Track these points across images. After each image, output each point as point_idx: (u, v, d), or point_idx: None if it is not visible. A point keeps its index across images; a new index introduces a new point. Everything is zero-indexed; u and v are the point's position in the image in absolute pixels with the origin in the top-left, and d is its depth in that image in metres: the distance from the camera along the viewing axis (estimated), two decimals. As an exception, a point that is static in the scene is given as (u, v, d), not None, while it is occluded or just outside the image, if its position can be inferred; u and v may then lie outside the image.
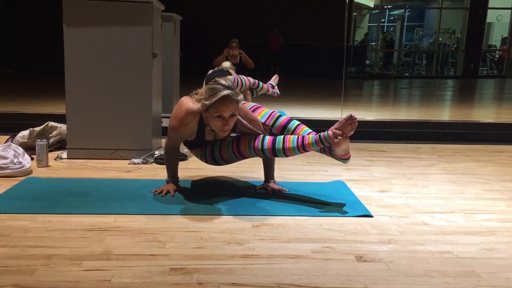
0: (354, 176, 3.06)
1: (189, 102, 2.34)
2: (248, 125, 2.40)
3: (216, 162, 2.55)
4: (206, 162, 2.58)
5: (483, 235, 2.09)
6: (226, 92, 2.17)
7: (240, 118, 2.35)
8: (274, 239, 1.97)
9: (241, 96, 2.24)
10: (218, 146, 2.49)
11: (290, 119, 2.51)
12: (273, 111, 2.54)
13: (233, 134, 2.49)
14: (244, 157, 2.47)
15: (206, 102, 2.21)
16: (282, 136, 2.40)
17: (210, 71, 5.12)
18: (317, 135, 2.33)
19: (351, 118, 2.25)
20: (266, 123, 2.49)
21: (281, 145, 2.35)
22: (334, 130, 2.27)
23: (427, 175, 3.15)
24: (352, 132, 2.28)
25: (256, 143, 2.38)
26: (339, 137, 2.26)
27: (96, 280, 1.57)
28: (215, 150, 2.50)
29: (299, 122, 2.50)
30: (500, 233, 2.12)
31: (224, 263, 1.73)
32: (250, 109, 2.55)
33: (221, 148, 2.48)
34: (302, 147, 2.34)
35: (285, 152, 2.36)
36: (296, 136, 2.38)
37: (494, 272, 1.72)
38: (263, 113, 2.52)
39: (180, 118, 2.33)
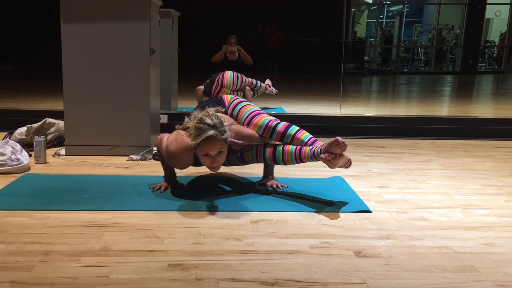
0: (352, 172, 3.06)
1: (184, 139, 2.33)
2: (244, 143, 2.43)
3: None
4: None
5: (481, 230, 2.09)
6: (210, 133, 2.16)
7: (234, 140, 2.36)
8: (272, 235, 1.97)
9: (227, 134, 2.23)
10: (226, 160, 2.55)
11: (289, 125, 2.48)
12: (270, 121, 2.47)
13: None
14: (246, 163, 2.58)
15: (193, 142, 2.22)
16: (281, 147, 2.43)
17: (205, 83, 5.14)
18: (312, 150, 2.33)
19: (337, 142, 2.21)
20: (263, 135, 2.48)
21: (281, 158, 2.44)
22: (324, 156, 2.23)
23: (425, 171, 3.15)
24: (343, 152, 2.25)
25: (258, 157, 2.50)
26: (331, 159, 2.23)
27: (94, 276, 1.57)
28: None
29: (298, 128, 2.48)
30: (498, 228, 2.12)
31: (222, 259, 1.73)
32: (250, 114, 2.52)
33: (228, 156, 2.53)
34: (299, 160, 2.40)
35: (285, 163, 2.46)
36: (295, 148, 2.40)
37: (493, 267, 1.72)
38: (259, 123, 2.47)
39: (177, 156, 2.35)
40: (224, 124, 2.25)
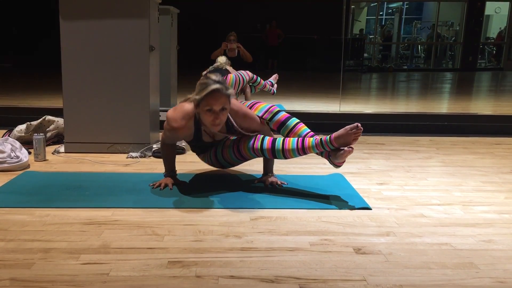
0: (352, 169, 3.06)
1: (185, 105, 2.38)
2: (242, 131, 2.44)
3: (220, 164, 2.60)
4: (212, 164, 2.64)
5: (481, 227, 2.09)
6: (215, 86, 2.21)
7: (234, 124, 2.36)
8: (272, 232, 1.97)
9: (231, 90, 2.27)
10: (220, 150, 2.53)
11: (290, 116, 2.49)
12: (272, 106, 2.54)
13: (233, 138, 2.51)
14: (244, 158, 2.52)
15: (197, 97, 2.25)
16: (282, 139, 2.40)
17: (205, 71, 5.11)
18: (318, 138, 2.33)
19: (357, 128, 2.24)
20: (263, 117, 2.50)
21: (280, 146, 2.38)
22: (348, 148, 2.26)
23: (425, 168, 3.15)
24: (355, 142, 2.28)
25: (255, 143, 2.42)
26: (345, 148, 2.27)
27: (94, 274, 1.57)
28: (218, 153, 2.55)
29: (298, 120, 2.49)
30: (498, 224, 2.12)
31: (222, 256, 1.73)
32: (253, 102, 2.58)
33: (223, 151, 2.52)
34: (302, 150, 2.35)
35: (284, 154, 2.39)
36: (296, 138, 2.38)
37: (492, 263, 1.72)
38: (260, 107, 2.52)
39: (176, 118, 2.37)
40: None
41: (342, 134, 2.26)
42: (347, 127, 2.26)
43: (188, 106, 2.35)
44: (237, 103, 2.44)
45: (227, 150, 2.51)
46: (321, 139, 2.32)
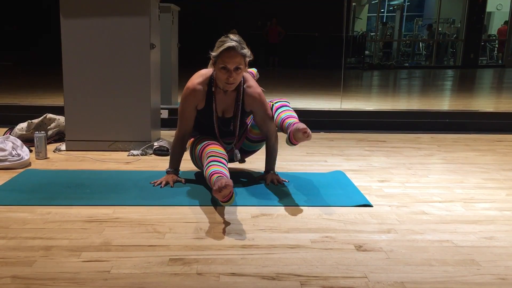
0: (353, 166, 3.06)
1: (203, 70, 2.49)
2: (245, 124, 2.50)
3: (191, 155, 2.61)
4: (193, 157, 2.63)
5: (482, 224, 2.09)
6: (231, 43, 2.28)
7: (243, 102, 2.41)
8: (273, 229, 1.97)
9: (246, 50, 2.32)
10: (198, 139, 2.53)
11: (287, 114, 2.50)
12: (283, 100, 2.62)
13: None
14: (201, 161, 2.42)
15: (213, 54, 2.32)
16: (220, 167, 2.24)
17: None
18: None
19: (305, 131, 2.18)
20: (271, 101, 2.58)
21: (206, 170, 2.25)
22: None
23: (426, 165, 3.14)
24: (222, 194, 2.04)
25: (216, 151, 2.33)
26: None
27: (95, 271, 1.57)
28: (195, 142, 2.55)
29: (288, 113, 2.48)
30: (499, 221, 2.12)
31: (223, 253, 1.73)
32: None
33: (198, 141, 2.51)
34: (210, 182, 2.18)
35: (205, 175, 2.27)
36: (216, 170, 2.19)
37: (494, 260, 1.72)
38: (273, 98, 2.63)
39: (192, 79, 2.47)
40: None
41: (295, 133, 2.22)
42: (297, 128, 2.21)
43: (205, 70, 2.45)
44: (256, 84, 2.53)
45: (200, 143, 2.49)
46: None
